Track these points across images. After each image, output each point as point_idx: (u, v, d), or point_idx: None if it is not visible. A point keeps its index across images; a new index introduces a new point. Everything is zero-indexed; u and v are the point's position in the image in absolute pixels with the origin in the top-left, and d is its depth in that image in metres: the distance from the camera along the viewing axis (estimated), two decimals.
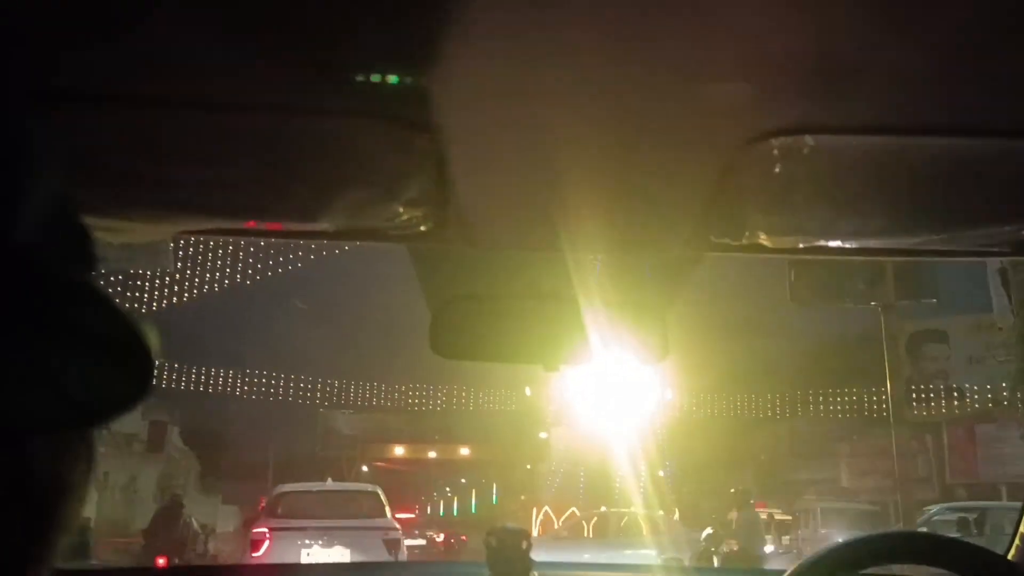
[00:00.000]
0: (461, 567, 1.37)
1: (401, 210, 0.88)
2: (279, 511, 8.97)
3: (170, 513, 10.70)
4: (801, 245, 1.00)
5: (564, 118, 0.74)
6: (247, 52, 0.66)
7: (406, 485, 25.12)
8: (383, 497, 9.58)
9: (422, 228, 0.91)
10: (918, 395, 23.06)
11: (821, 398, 23.46)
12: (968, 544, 1.01)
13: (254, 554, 8.33)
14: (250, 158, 0.84)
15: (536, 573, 1.19)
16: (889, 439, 21.92)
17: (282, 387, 24.20)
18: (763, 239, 0.96)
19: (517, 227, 0.92)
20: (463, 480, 29.18)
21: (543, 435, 25.65)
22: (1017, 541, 1.19)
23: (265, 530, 8.62)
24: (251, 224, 0.98)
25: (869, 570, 0.99)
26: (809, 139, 0.75)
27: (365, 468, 28.47)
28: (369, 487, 10.30)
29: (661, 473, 19.21)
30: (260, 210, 0.94)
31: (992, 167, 0.81)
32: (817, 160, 0.80)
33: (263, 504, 10.26)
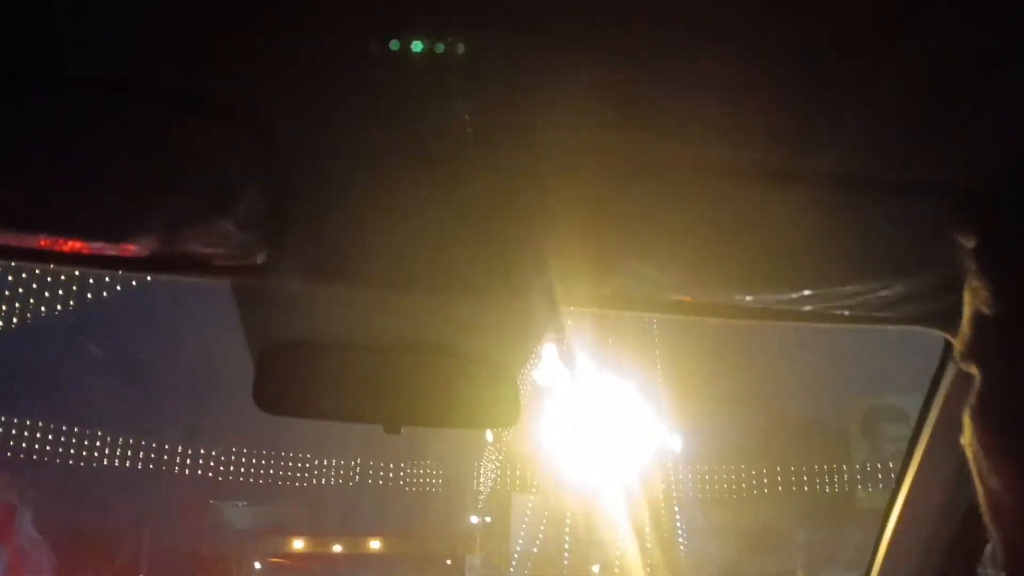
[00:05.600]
0: None
1: (231, 231, 0.88)
2: None
3: None
4: (673, 298, 1.06)
5: (427, 149, 0.78)
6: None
7: None
8: None
9: (254, 260, 0.92)
10: (876, 478, 23.69)
11: (780, 478, 23.81)
12: None
13: None
14: (37, 141, 0.74)
15: None
16: (851, 526, 22.30)
17: (158, 461, 23.17)
18: (630, 292, 1.02)
19: (363, 263, 0.96)
20: None
21: (473, 519, 25.00)
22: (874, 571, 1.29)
23: None
24: (42, 244, 0.91)
25: None
26: (672, 177, 0.82)
27: (258, 565, 27.31)
28: None
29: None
30: (52, 224, 0.87)
31: (877, 222, 0.88)
32: (693, 199, 0.86)
33: None
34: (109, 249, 0.91)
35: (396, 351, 1.13)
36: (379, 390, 1.15)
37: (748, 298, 1.07)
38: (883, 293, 1.02)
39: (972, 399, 0.53)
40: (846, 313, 1.08)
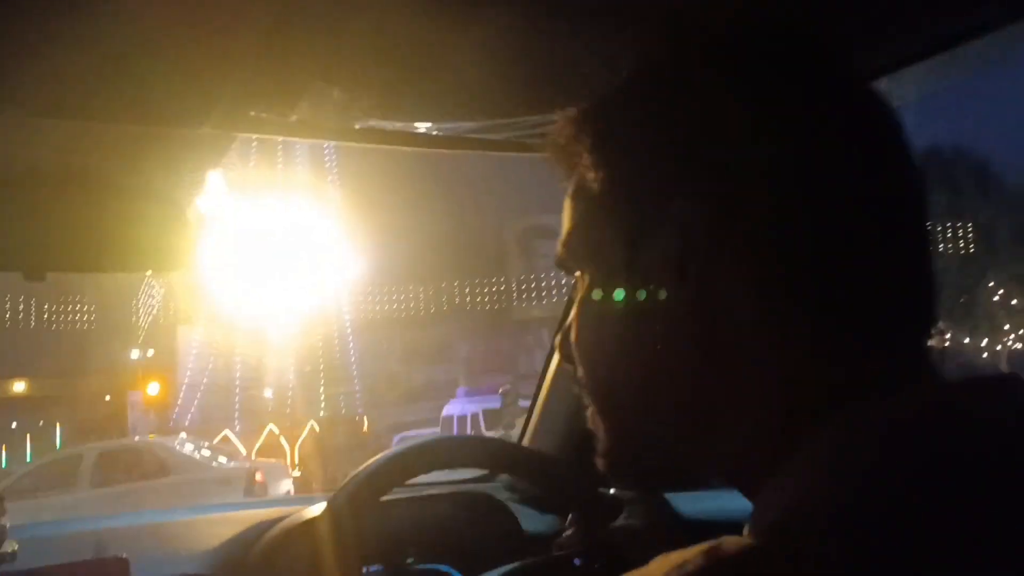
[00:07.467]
0: None
1: None
2: None
3: None
4: (357, 127, 0.98)
5: None
6: None
7: None
8: None
9: None
10: (530, 292, 26.40)
11: (445, 297, 25.45)
12: (484, 439, 1.19)
13: None
14: None
15: (15, 543, 1.06)
16: (508, 339, 24.71)
17: None
18: (319, 119, 0.92)
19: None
20: (14, 424, 26.05)
21: (135, 354, 23.93)
22: (529, 428, 1.42)
23: None
24: None
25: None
26: None
27: None
28: None
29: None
30: None
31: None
32: (387, 16, 0.76)
33: None
34: None
35: (36, 183, 0.94)
36: (14, 229, 0.95)
37: (441, 126, 1.03)
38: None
39: None
40: (538, 142, 1.08)
